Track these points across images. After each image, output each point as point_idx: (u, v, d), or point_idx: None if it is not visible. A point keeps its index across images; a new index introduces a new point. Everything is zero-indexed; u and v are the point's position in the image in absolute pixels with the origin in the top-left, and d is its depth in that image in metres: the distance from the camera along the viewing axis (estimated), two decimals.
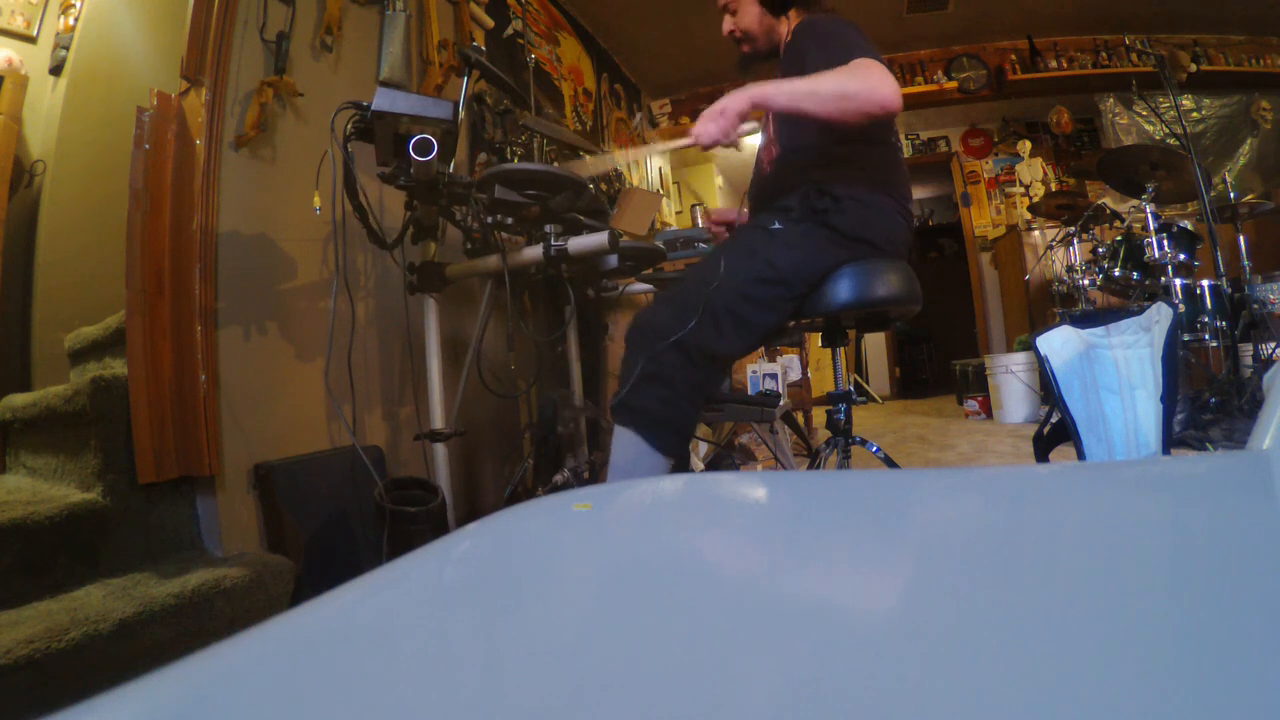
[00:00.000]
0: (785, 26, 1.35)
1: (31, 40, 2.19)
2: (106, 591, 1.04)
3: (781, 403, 2.39)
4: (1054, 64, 4.28)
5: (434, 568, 0.35)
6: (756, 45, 1.37)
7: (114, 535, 1.14)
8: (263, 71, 1.50)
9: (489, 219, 1.49)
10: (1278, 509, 0.33)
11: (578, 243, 1.46)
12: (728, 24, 1.38)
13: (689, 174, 4.90)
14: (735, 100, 1.11)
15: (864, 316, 1.34)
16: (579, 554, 0.37)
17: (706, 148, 1.15)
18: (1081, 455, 1.10)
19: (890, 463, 1.63)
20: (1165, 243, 2.52)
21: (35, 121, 2.13)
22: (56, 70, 2.12)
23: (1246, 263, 2.65)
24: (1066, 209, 3.50)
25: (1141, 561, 0.29)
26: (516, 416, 2.24)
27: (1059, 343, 1.16)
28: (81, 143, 2.06)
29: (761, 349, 2.89)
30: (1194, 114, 4.30)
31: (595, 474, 1.92)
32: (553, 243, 1.47)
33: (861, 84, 1.04)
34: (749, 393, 2.75)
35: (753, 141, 1.38)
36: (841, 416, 1.44)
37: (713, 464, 2.20)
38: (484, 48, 2.42)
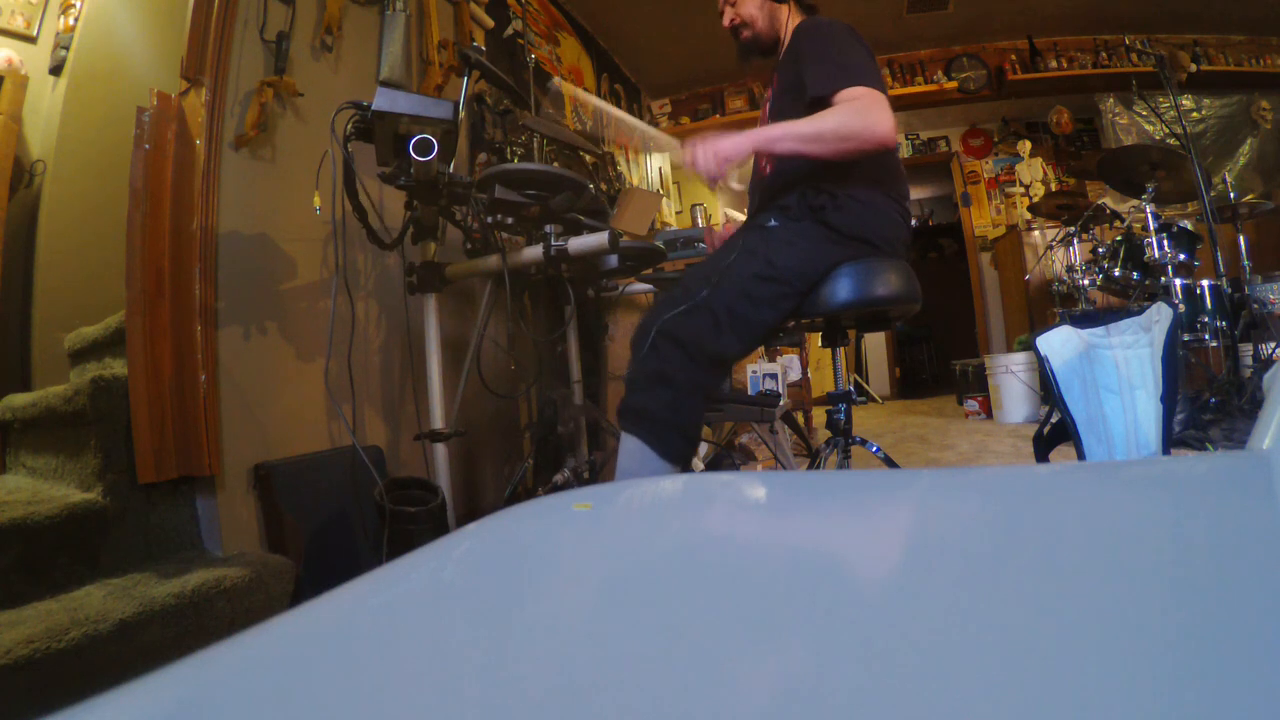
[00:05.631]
0: (786, 15, 1.35)
1: (31, 40, 2.19)
2: (106, 591, 1.04)
3: (781, 403, 2.39)
4: (1054, 64, 4.28)
5: (434, 568, 0.35)
6: (757, 30, 1.37)
7: (114, 535, 1.14)
8: (263, 71, 1.50)
9: (489, 219, 1.49)
10: (1278, 509, 0.33)
11: (578, 243, 1.46)
12: (728, 15, 1.38)
13: (689, 175, 4.90)
14: (737, 145, 1.12)
15: (864, 316, 1.34)
16: (579, 554, 0.37)
17: (697, 172, 1.15)
18: (1081, 455, 1.10)
19: (890, 463, 1.63)
20: (1165, 243, 2.52)
21: (35, 121, 2.13)
22: (56, 70, 2.12)
23: (1246, 263, 2.65)
24: (1066, 209, 3.50)
25: (1141, 561, 0.29)
26: (516, 416, 2.24)
27: (1059, 343, 1.16)
28: (81, 143, 2.06)
29: (761, 349, 2.89)
30: (1194, 114, 4.30)
31: (595, 474, 1.92)
32: (553, 243, 1.47)
33: (860, 123, 1.07)
34: (749, 393, 2.75)
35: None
36: (841, 416, 1.44)
37: (713, 464, 2.20)
38: (484, 48, 2.42)
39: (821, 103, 1.13)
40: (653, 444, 1.15)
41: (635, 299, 2.45)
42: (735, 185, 1.17)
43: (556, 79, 2.27)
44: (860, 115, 1.08)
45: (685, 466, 1.21)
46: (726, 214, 4.37)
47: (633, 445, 1.17)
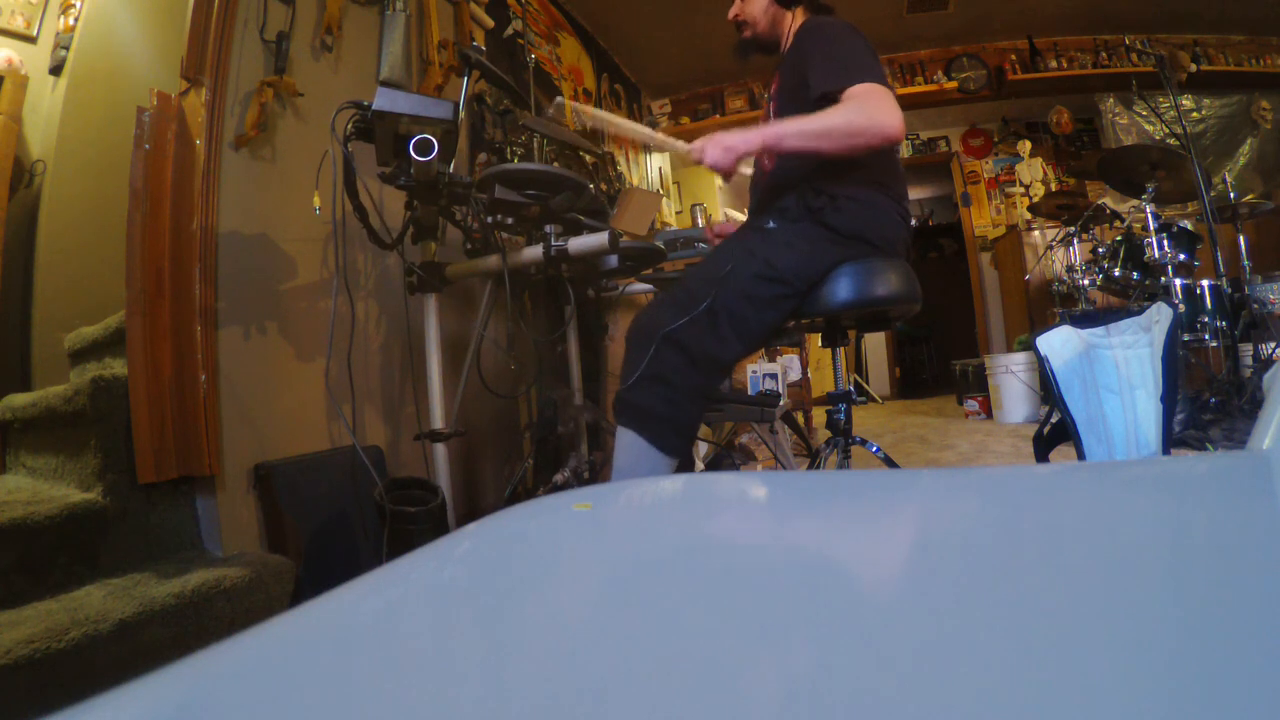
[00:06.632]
0: (790, 21, 1.35)
1: (31, 40, 2.19)
2: (106, 591, 1.04)
3: (781, 403, 2.39)
4: (1054, 64, 4.28)
5: (434, 568, 0.35)
6: (758, 32, 1.38)
7: (114, 535, 1.14)
8: (263, 71, 1.50)
9: (489, 219, 1.49)
10: (1278, 509, 0.33)
11: (578, 243, 1.46)
12: (734, 8, 1.39)
13: (689, 175, 4.90)
14: (747, 140, 1.12)
15: (864, 316, 1.34)
16: (579, 554, 0.37)
17: (701, 164, 1.16)
18: (1081, 455, 1.10)
19: (890, 463, 1.63)
20: (1165, 243, 2.52)
21: (35, 121, 2.13)
22: (56, 70, 2.12)
23: (1246, 263, 2.65)
24: (1066, 209, 3.50)
25: (1141, 561, 0.29)
26: (516, 416, 2.24)
27: (1059, 343, 1.16)
28: (81, 143, 2.06)
29: (761, 349, 2.89)
30: (1194, 114, 4.30)
31: (595, 474, 1.92)
32: (553, 243, 1.47)
33: (868, 119, 1.08)
34: (749, 393, 2.75)
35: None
36: (841, 416, 1.44)
37: (713, 464, 2.20)
38: (484, 48, 2.41)
39: (827, 99, 1.13)
40: (649, 438, 1.15)
41: (635, 299, 2.45)
42: (745, 170, 1.18)
43: (558, 98, 2.29)
44: (867, 111, 1.08)
45: (683, 459, 1.21)
46: (726, 213, 4.37)
47: (629, 439, 1.17)
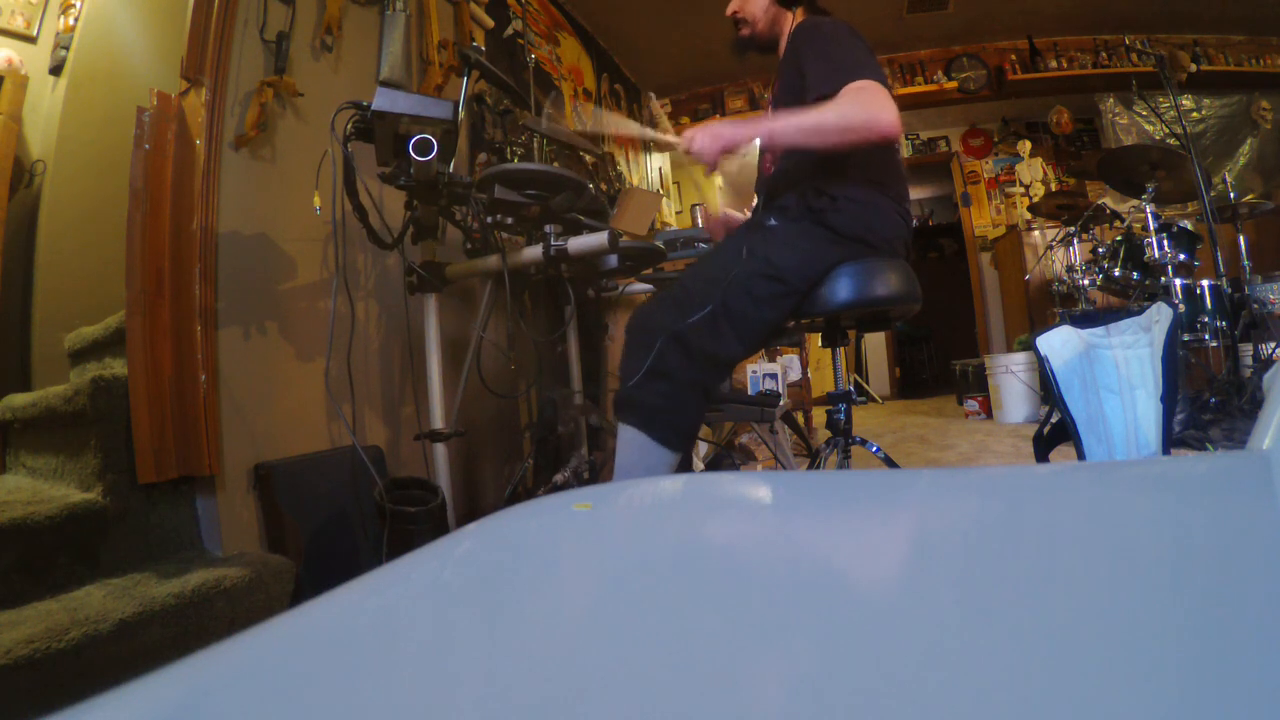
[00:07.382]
0: (790, 21, 1.35)
1: (31, 40, 2.19)
2: (106, 591, 1.04)
3: (781, 403, 2.39)
4: (1054, 64, 4.28)
5: (434, 568, 0.35)
6: (756, 30, 1.38)
7: (114, 535, 1.14)
8: (263, 71, 1.50)
9: (489, 219, 1.49)
10: (1278, 509, 0.33)
11: (578, 243, 1.46)
12: (734, 4, 1.39)
13: (689, 173, 4.91)
14: (737, 133, 1.12)
15: (864, 316, 1.34)
16: (579, 554, 0.37)
17: (691, 154, 1.15)
18: (1081, 455, 1.10)
19: (890, 463, 1.63)
20: (1165, 243, 2.52)
21: (35, 121, 2.13)
22: (56, 70, 2.12)
23: (1246, 263, 2.65)
24: (1066, 209, 3.50)
25: (1141, 561, 0.29)
26: (516, 416, 2.24)
27: (1059, 343, 1.16)
28: (81, 143, 2.06)
29: (761, 348, 2.89)
30: (1194, 114, 4.30)
31: (595, 474, 1.92)
32: (553, 243, 1.47)
33: (863, 115, 1.07)
34: (749, 393, 2.75)
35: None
36: (841, 416, 1.44)
37: (713, 464, 2.20)
38: (484, 48, 2.41)
39: (825, 100, 1.12)
40: (650, 432, 1.15)
41: (635, 299, 2.45)
42: (720, 180, 1.17)
43: (554, 92, 2.34)
44: (862, 107, 1.07)
45: (685, 455, 1.21)
46: (726, 214, 4.35)
47: (630, 435, 1.16)
